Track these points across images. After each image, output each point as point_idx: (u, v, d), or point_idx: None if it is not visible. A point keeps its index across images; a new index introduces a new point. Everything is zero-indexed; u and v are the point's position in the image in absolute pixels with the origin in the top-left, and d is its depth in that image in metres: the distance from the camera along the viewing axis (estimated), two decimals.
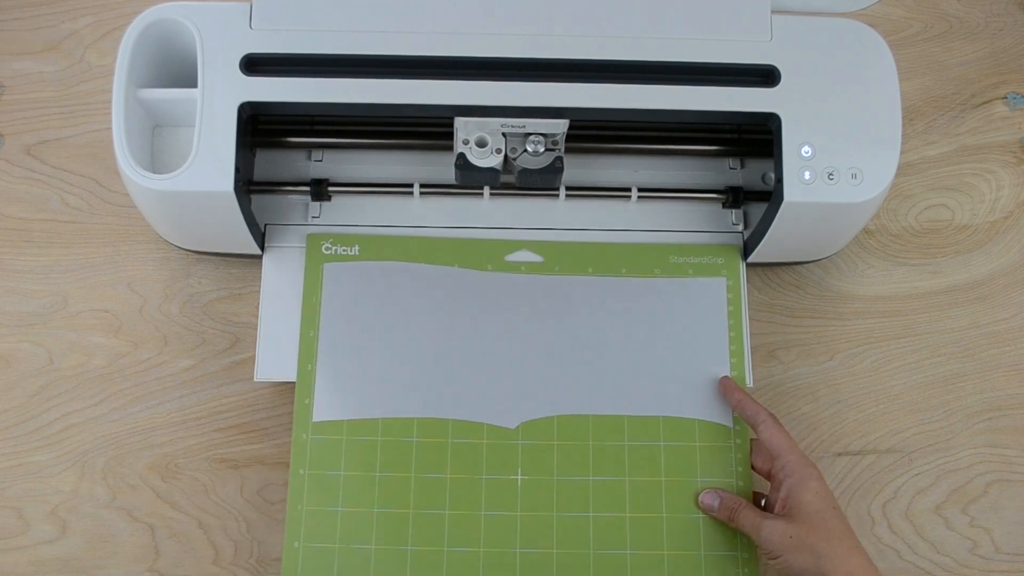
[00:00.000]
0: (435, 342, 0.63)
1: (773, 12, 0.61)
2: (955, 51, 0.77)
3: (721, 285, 0.65)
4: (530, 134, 0.60)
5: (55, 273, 0.68)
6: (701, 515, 0.60)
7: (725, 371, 0.63)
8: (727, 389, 0.62)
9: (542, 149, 0.60)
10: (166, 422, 0.65)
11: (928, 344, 0.69)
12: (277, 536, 0.63)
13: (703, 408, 0.63)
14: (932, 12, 0.78)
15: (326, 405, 0.62)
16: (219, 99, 0.58)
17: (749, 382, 0.63)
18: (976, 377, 0.68)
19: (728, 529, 0.60)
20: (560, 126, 0.59)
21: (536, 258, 0.65)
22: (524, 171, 0.61)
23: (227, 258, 0.68)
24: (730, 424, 0.62)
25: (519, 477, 0.61)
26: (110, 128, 0.58)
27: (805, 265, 0.70)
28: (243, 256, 0.66)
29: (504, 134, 0.60)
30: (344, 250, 0.65)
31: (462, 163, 0.60)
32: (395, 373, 0.62)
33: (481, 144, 0.60)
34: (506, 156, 0.60)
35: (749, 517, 0.57)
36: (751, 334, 0.66)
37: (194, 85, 0.58)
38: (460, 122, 0.59)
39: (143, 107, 0.60)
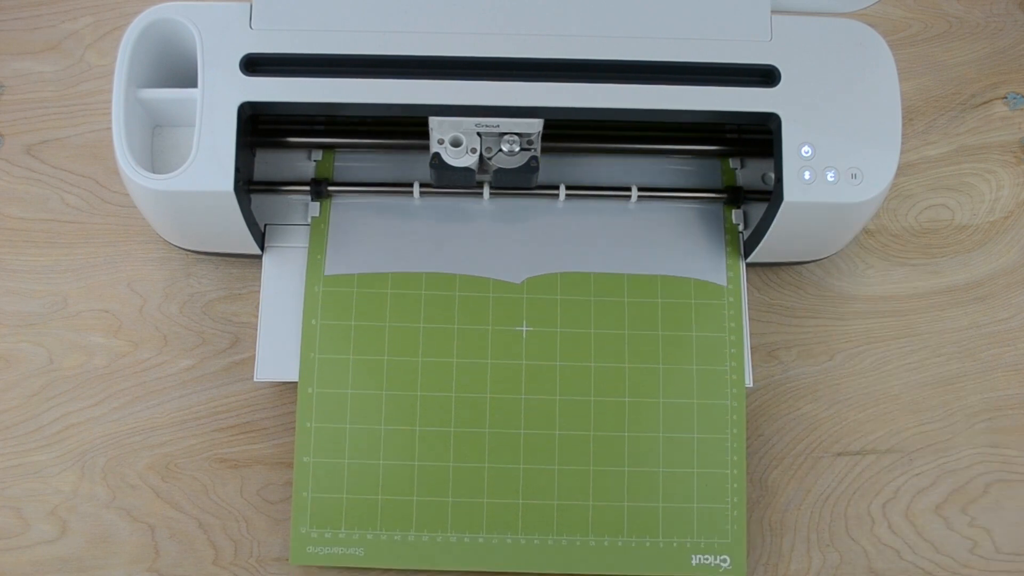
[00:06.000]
0: (443, 201, 0.66)
1: (773, 12, 0.61)
2: (955, 51, 0.77)
3: (715, 167, 0.68)
4: (504, 134, 0.60)
5: (55, 273, 0.68)
6: (695, 367, 0.63)
7: (719, 234, 0.66)
8: None
9: (517, 149, 0.60)
10: (166, 422, 0.65)
11: (928, 344, 0.69)
12: (277, 536, 0.63)
13: (699, 268, 0.65)
14: (932, 12, 0.78)
15: (337, 260, 0.64)
16: (219, 99, 0.58)
17: (749, 382, 0.63)
18: (976, 377, 0.68)
19: (719, 377, 0.63)
20: (535, 126, 0.59)
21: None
22: (499, 171, 0.61)
23: (227, 258, 0.68)
24: (724, 283, 0.65)
25: (524, 329, 0.63)
26: (110, 128, 0.58)
27: (805, 265, 0.70)
28: (243, 256, 0.66)
29: (479, 134, 0.60)
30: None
31: (437, 163, 0.60)
32: (404, 231, 0.65)
33: (456, 144, 0.60)
34: (481, 156, 0.60)
35: None
36: (751, 334, 0.66)
37: (194, 85, 0.58)
38: (435, 121, 0.59)
39: (143, 107, 0.60)
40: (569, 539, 0.61)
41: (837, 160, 0.59)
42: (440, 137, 0.60)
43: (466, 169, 0.60)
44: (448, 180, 0.62)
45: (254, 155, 0.67)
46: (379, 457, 0.61)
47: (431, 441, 0.62)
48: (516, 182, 0.63)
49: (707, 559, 0.61)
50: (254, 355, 0.63)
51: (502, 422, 0.62)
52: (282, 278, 0.65)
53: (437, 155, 0.60)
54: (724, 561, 0.61)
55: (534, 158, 0.61)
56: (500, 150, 0.60)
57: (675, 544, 0.61)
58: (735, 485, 0.62)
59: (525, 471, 0.62)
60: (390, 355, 0.63)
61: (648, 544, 0.61)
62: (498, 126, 0.59)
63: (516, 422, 0.62)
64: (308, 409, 0.62)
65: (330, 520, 0.61)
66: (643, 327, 0.64)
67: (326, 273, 0.64)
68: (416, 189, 0.66)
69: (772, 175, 0.65)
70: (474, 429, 0.62)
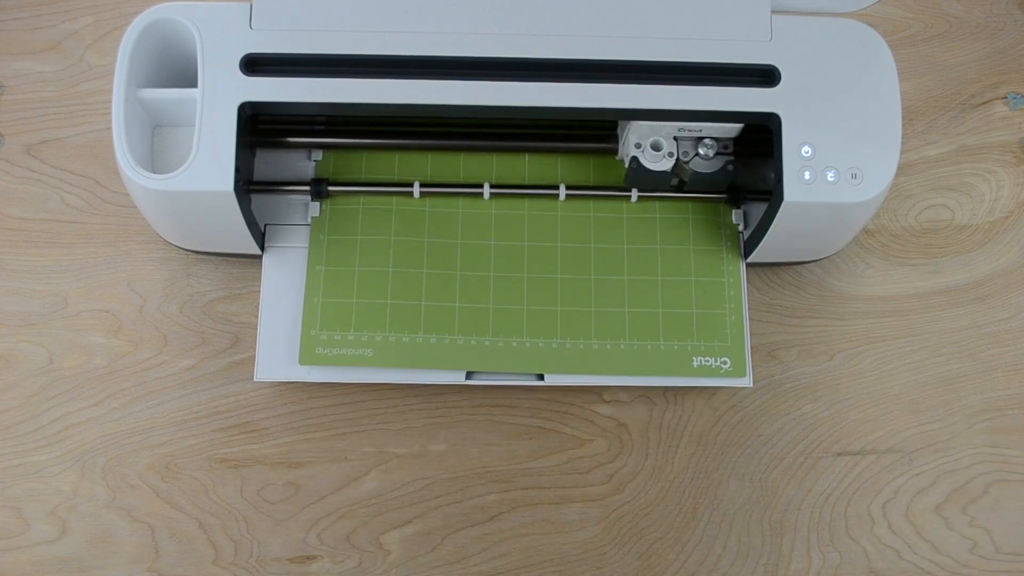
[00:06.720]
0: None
1: (773, 12, 0.61)
2: (955, 51, 0.77)
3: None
4: (702, 138, 0.62)
5: (55, 273, 0.68)
6: (690, 203, 0.67)
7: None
8: None
9: (712, 153, 0.62)
10: (166, 422, 0.65)
11: (928, 344, 0.69)
12: (277, 536, 0.63)
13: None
14: (932, 12, 0.78)
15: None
16: (219, 99, 0.58)
17: (749, 382, 0.64)
18: (976, 377, 0.68)
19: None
20: (732, 131, 0.61)
21: None
22: (696, 174, 0.63)
23: (227, 258, 0.68)
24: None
25: (527, 157, 0.68)
26: (110, 128, 0.58)
27: (805, 265, 0.70)
28: (243, 256, 0.66)
29: (676, 138, 0.62)
30: None
31: (636, 166, 0.62)
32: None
33: (656, 148, 0.62)
34: (678, 159, 0.62)
35: None
36: (751, 334, 0.66)
37: (194, 85, 0.58)
38: (633, 125, 0.61)
39: (143, 107, 0.60)
40: (573, 342, 0.63)
41: (837, 160, 0.59)
42: (638, 141, 0.62)
43: (663, 172, 0.62)
44: (645, 183, 0.64)
45: (254, 155, 0.67)
46: (388, 265, 0.64)
47: (439, 251, 0.65)
48: (712, 185, 0.64)
49: (707, 361, 0.63)
50: (254, 355, 0.63)
51: (506, 235, 0.65)
52: (282, 278, 0.65)
53: (635, 159, 0.62)
54: (725, 363, 0.63)
55: (730, 162, 0.63)
56: (697, 154, 0.62)
57: (675, 347, 0.63)
58: (732, 293, 0.65)
59: (529, 280, 0.64)
60: (400, 177, 0.66)
61: (649, 347, 0.63)
62: (700, 130, 0.61)
63: (520, 235, 0.65)
64: (322, 224, 0.64)
65: (339, 323, 0.63)
66: None
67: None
68: (416, 189, 0.66)
69: (772, 175, 0.65)
70: (480, 241, 0.65)
